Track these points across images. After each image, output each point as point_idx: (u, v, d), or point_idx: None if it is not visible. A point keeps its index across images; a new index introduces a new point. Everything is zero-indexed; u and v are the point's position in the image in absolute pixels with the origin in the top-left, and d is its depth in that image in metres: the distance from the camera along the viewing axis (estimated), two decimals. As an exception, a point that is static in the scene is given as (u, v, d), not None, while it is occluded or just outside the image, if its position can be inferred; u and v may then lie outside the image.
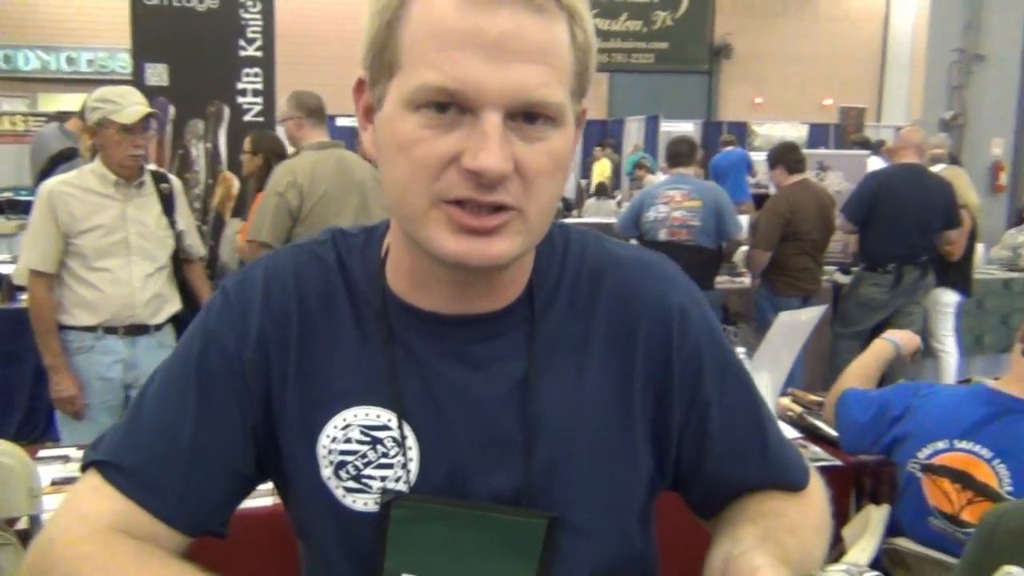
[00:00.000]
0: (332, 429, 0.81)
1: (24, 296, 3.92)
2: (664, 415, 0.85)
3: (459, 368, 0.80)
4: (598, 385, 0.82)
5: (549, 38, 0.69)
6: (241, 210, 4.58)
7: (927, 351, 5.17)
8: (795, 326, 2.50)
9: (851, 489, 2.34)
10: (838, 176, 5.70)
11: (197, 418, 0.82)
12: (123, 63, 12.80)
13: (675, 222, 4.52)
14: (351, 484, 0.81)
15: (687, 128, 15.87)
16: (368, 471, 0.80)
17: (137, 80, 4.95)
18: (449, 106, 0.69)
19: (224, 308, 0.84)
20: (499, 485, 0.79)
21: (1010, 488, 1.78)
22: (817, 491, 0.94)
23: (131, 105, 2.84)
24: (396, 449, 0.80)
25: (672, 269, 0.89)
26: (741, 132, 15.64)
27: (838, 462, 2.33)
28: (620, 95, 17.83)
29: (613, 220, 9.04)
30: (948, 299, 4.99)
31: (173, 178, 3.18)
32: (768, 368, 2.40)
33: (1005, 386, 1.90)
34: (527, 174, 0.70)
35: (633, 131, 15.66)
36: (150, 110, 2.89)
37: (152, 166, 3.15)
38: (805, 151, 5.21)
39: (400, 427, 0.80)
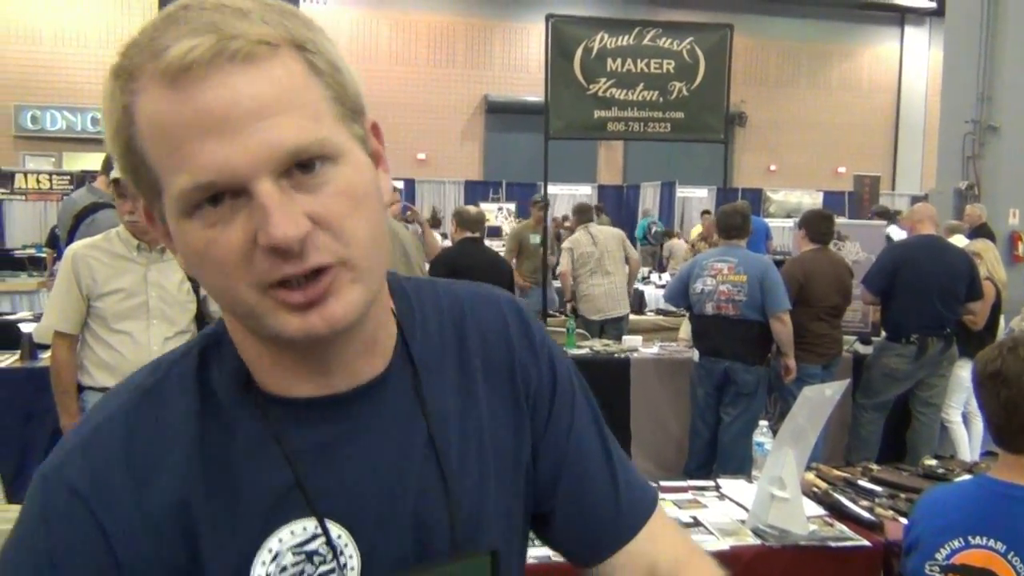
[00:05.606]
0: (260, 567, 0.74)
1: (44, 355, 3.95)
2: (537, 434, 0.87)
3: (358, 446, 0.76)
4: (492, 420, 0.83)
5: (275, 82, 0.64)
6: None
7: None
8: (819, 401, 2.45)
9: (880, 570, 2.28)
10: (855, 246, 5.69)
11: None
12: (148, 124, 13.05)
13: (721, 296, 4.43)
14: None
15: (702, 194, 15.98)
16: None
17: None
18: (220, 196, 0.64)
19: (73, 509, 0.70)
20: (435, 543, 0.78)
21: None
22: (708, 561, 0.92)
23: None
24: (330, 553, 0.75)
25: (503, 291, 0.92)
26: (756, 199, 15.73)
27: (865, 542, 2.28)
28: (635, 161, 18.07)
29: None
30: (960, 372, 4.97)
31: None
32: (792, 444, 2.36)
33: (1001, 474, 1.86)
34: (329, 223, 0.66)
35: (649, 196, 15.80)
36: None
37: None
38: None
39: (325, 530, 0.75)
